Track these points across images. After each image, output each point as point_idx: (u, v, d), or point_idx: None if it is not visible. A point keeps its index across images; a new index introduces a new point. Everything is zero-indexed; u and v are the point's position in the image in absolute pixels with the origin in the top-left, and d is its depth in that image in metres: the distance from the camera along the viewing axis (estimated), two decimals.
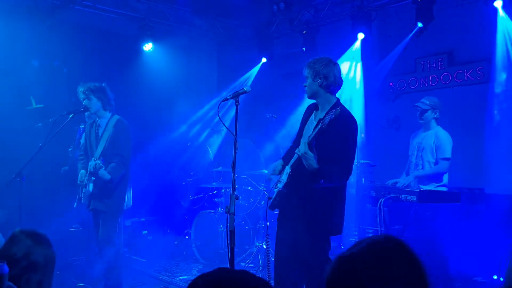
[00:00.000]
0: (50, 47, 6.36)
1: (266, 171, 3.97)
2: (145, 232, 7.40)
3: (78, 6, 6.88)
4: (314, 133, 3.34)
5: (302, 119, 3.86)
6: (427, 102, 5.25)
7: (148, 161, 7.42)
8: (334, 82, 3.58)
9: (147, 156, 7.30)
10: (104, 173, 4.56)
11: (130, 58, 7.70)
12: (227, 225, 2.80)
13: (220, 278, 1.18)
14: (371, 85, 7.40)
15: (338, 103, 3.60)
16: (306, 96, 3.72)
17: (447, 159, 5.13)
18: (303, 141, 3.37)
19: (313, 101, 3.75)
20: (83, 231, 6.37)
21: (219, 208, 6.69)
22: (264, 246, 5.94)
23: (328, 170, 3.36)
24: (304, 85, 3.67)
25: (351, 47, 7.42)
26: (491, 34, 5.92)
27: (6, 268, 1.84)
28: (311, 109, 3.81)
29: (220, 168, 7.08)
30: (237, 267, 5.77)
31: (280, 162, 3.81)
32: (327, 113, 3.42)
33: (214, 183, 7.13)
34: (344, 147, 3.43)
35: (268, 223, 4.27)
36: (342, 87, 3.72)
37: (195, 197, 7.46)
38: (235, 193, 2.95)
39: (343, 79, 3.68)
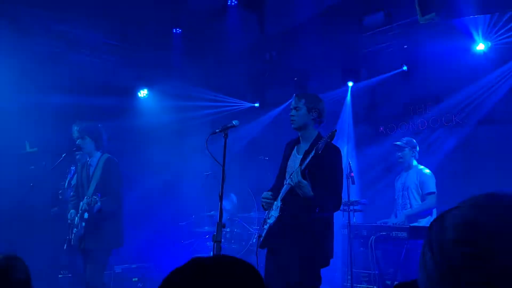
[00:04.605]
0: (48, 90, 6.48)
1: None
2: (135, 279, 7.22)
3: (75, 54, 7.10)
4: (306, 161, 3.35)
5: (283, 155, 3.87)
6: (404, 141, 5.57)
7: (140, 205, 7.37)
8: (323, 118, 3.71)
9: (139, 199, 7.27)
10: (97, 206, 4.53)
11: (126, 104, 7.84)
12: (213, 252, 2.78)
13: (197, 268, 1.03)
14: (361, 129, 7.53)
15: (321, 135, 3.66)
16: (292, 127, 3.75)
17: (433, 193, 5.25)
18: (295, 171, 3.37)
19: (290, 138, 3.83)
20: (73, 277, 6.23)
21: (212, 253, 6.57)
22: None
23: (323, 197, 3.38)
24: (291, 114, 3.68)
25: (342, 94, 7.60)
26: (476, 77, 6.10)
27: None
28: (291, 145, 3.84)
29: (212, 212, 7.03)
30: None
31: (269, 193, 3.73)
32: (313, 143, 3.48)
33: (206, 228, 7.06)
34: (334, 175, 3.49)
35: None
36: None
37: (187, 241, 7.35)
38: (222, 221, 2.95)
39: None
